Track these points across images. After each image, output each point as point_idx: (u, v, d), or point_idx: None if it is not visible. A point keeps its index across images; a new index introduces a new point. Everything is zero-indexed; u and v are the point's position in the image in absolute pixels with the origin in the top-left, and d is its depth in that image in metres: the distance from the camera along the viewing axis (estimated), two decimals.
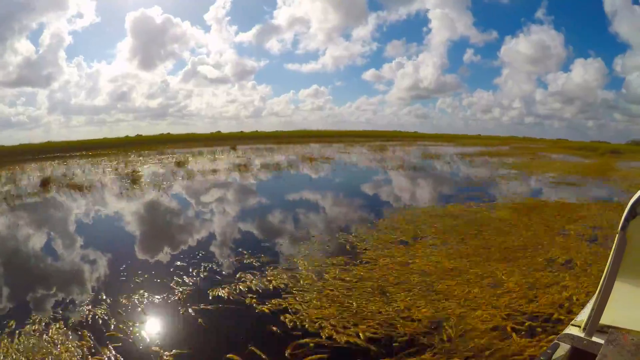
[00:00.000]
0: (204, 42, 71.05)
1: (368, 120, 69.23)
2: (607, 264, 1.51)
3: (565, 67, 58.24)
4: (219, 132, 48.07)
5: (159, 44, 65.51)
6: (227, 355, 2.65)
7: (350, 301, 3.40)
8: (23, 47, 54.28)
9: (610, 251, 1.50)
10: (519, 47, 53.89)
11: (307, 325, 3.05)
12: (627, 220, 1.45)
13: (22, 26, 54.48)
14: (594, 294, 1.62)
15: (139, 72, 66.50)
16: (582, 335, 1.59)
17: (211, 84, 68.24)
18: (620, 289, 1.50)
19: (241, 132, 46.62)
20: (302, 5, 65.25)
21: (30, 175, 13.57)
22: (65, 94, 62.91)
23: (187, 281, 4.01)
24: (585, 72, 51.11)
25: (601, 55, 55.29)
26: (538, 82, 60.39)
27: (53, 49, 55.64)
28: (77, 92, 62.05)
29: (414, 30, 66.29)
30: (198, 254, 4.85)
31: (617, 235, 1.48)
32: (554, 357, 1.61)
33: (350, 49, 63.10)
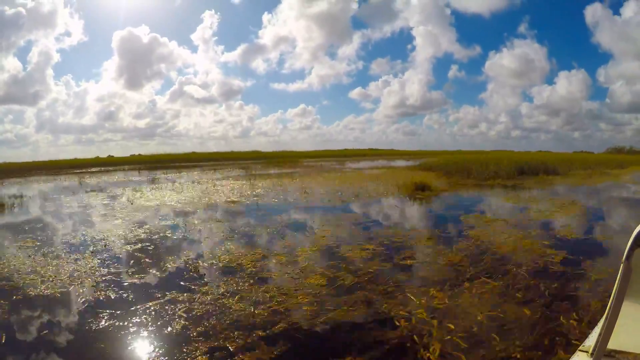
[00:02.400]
0: (191, 62, 72.16)
1: (356, 139, 69.52)
2: (613, 291, 1.55)
3: (550, 80, 58.34)
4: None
5: (145, 63, 66.46)
6: None
7: None
8: (10, 64, 54.83)
9: (616, 280, 1.54)
10: (503, 61, 54.07)
11: None
12: (632, 249, 1.49)
13: (10, 43, 54.39)
14: (601, 320, 1.66)
15: (125, 92, 67.47)
16: None
17: (198, 103, 69.58)
18: (627, 313, 1.54)
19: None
20: (287, 24, 66.14)
21: None
22: (53, 112, 63.36)
23: None
24: (569, 83, 51.10)
25: (584, 66, 56.10)
26: (523, 95, 60.89)
27: (41, 67, 56.18)
28: (65, 110, 63.12)
29: (398, 47, 67.04)
30: None
31: (622, 264, 1.52)
32: None
33: (335, 68, 63.80)
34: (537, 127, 56.74)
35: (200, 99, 65.60)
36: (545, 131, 56.21)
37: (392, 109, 62.49)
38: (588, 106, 53.22)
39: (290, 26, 67.94)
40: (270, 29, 63.64)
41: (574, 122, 54.76)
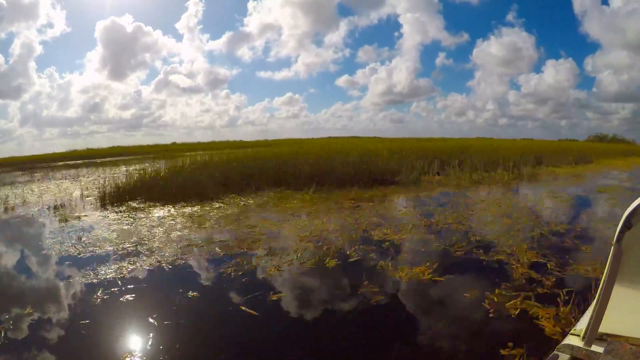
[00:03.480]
0: (176, 51, 71.11)
1: (344, 127, 69.66)
2: (604, 274, 1.54)
3: (537, 69, 59.16)
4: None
5: (129, 53, 64.84)
6: None
7: None
8: None
9: (607, 262, 1.53)
10: (491, 49, 54.65)
11: None
12: (622, 232, 1.48)
13: None
14: (592, 303, 1.65)
15: (110, 83, 66.10)
16: (581, 344, 1.62)
17: (184, 93, 68.69)
18: (618, 297, 1.53)
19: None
20: (272, 11, 65.42)
21: None
22: (37, 105, 61.06)
23: None
24: (556, 72, 52.14)
25: (572, 55, 56.71)
26: (511, 83, 61.90)
27: (23, 60, 53.78)
28: (48, 103, 61.48)
29: (385, 35, 66.82)
30: None
31: (612, 246, 1.51)
32: None
33: (322, 55, 63.40)
34: (524, 115, 57.70)
35: (186, 88, 64.59)
36: (533, 119, 57.24)
37: (380, 97, 62.58)
38: (575, 95, 54.26)
39: (276, 13, 66.92)
40: (256, 16, 62.60)
41: (561, 110, 55.85)
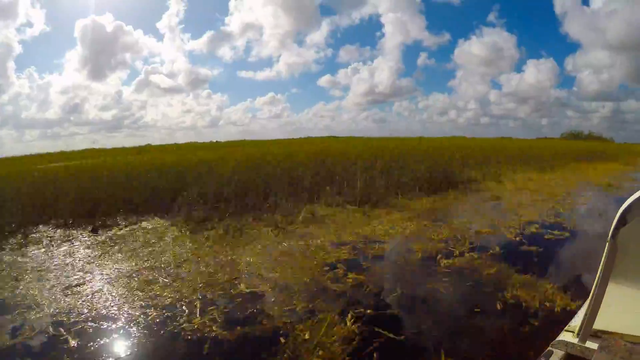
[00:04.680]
0: (157, 51, 69.76)
1: (327, 127, 70.44)
2: (599, 270, 1.55)
3: (518, 68, 61.56)
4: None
5: (109, 53, 63.73)
6: None
7: None
8: None
9: (602, 258, 1.54)
10: (472, 49, 56.56)
11: None
12: (617, 228, 1.49)
13: None
14: (587, 300, 1.66)
15: (90, 83, 64.55)
16: (575, 341, 1.62)
17: (165, 93, 67.79)
18: (612, 294, 1.54)
19: None
20: (254, 10, 65.46)
21: None
22: (16, 107, 59.36)
23: None
24: (537, 72, 54.57)
25: (553, 55, 59.25)
26: (492, 83, 64.04)
27: (2, 60, 51.34)
28: (28, 104, 59.47)
29: (367, 35, 67.73)
30: None
31: (607, 243, 1.52)
32: None
33: (304, 55, 63.77)
34: (505, 114, 60.04)
35: (167, 88, 63.36)
36: (514, 118, 59.64)
37: (362, 97, 63.47)
38: (556, 94, 56.68)
39: (257, 13, 66.26)
40: (237, 15, 61.76)
41: (542, 109, 58.34)
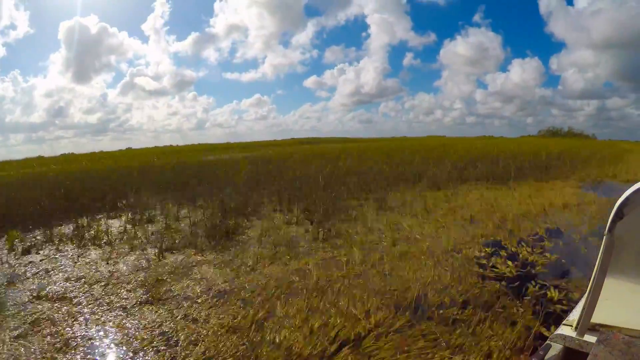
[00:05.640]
0: (142, 53, 68.89)
1: (313, 128, 70.31)
2: (596, 264, 1.54)
3: (504, 68, 62.34)
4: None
5: (94, 55, 62.86)
6: None
7: None
8: None
9: (599, 252, 1.53)
10: (458, 49, 56.99)
11: None
12: (614, 222, 1.48)
13: None
14: (584, 294, 1.66)
15: (75, 86, 63.11)
16: (573, 334, 1.63)
17: (150, 96, 67.19)
18: (610, 288, 1.54)
19: None
20: (238, 11, 64.55)
21: None
22: (0, 111, 58.46)
23: None
24: (523, 71, 55.22)
25: (538, 54, 60.21)
26: (478, 82, 64.84)
27: None
28: (12, 108, 58.17)
29: (353, 35, 68.13)
30: None
31: (604, 236, 1.51)
32: (546, 358, 1.64)
33: (289, 56, 63.55)
34: (491, 113, 60.59)
35: (153, 91, 62.53)
36: (499, 117, 60.26)
37: (348, 97, 63.47)
38: (541, 93, 57.51)
39: (242, 14, 65.61)
40: (222, 17, 61.27)
41: (527, 108, 59.08)
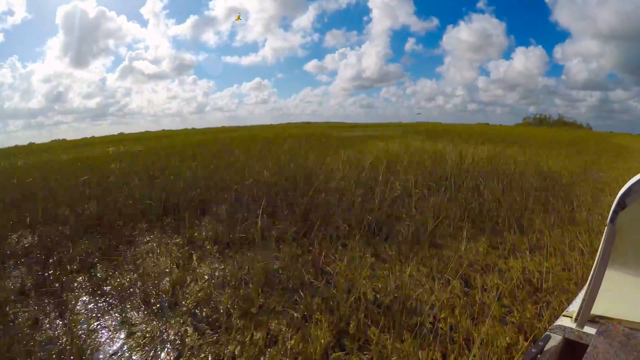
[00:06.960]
0: (141, 36, 67.29)
1: (314, 112, 69.63)
2: (597, 255, 1.52)
3: (507, 55, 61.91)
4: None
5: (92, 39, 60.80)
6: None
7: None
8: None
9: (600, 242, 1.51)
10: (461, 35, 56.57)
11: None
12: (615, 212, 1.45)
13: None
14: (584, 285, 1.64)
15: (73, 71, 61.14)
16: (573, 326, 1.61)
17: (150, 80, 65.41)
18: (610, 279, 1.52)
19: None
20: None
21: None
22: None
23: None
24: (526, 59, 54.92)
25: (542, 43, 59.65)
26: (480, 69, 64.34)
27: None
28: (11, 94, 56.05)
29: (354, 19, 67.77)
30: None
31: (606, 227, 1.48)
32: (545, 349, 1.62)
33: (290, 40, 62.44)
34: (493, 100, 60.67)
35: (152, 74, 61.05)
36: (501, 105, 60.38)
37: (349, 82, 62.78)
38: (544, 82, 57.43)
39: None
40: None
41: (530, 96, 59.12)
